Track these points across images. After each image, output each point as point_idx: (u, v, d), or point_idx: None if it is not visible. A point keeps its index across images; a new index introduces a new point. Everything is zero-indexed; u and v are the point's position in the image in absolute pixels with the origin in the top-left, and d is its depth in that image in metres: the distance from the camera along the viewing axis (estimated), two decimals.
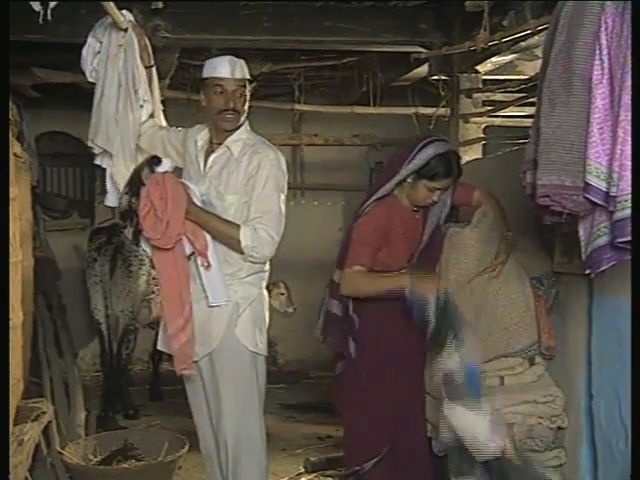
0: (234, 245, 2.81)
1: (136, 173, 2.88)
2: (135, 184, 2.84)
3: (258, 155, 2.85)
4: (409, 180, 2.95)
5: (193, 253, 2.84)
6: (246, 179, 2.85)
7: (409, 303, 2.78)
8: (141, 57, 3.09)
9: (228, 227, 2.82)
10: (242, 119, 2.94)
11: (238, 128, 2.93)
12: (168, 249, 2.80)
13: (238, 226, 2.80)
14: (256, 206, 2.82)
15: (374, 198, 3.00)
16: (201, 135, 3.01)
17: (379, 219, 2.97)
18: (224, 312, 2.85)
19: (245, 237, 2.78)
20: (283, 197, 2.89)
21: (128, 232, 2.88)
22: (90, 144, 3.17)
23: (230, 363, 2.85)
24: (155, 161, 2.82)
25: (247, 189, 2.84)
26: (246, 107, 2.94)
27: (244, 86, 2.91)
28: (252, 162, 2.85)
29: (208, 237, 2.83)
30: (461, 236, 3.09)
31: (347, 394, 3.07)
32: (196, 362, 2.92)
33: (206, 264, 2.80)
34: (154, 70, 3.22)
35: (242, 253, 2.81)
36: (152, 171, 2.80)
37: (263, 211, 2.80)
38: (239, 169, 2.87)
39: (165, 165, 2.81)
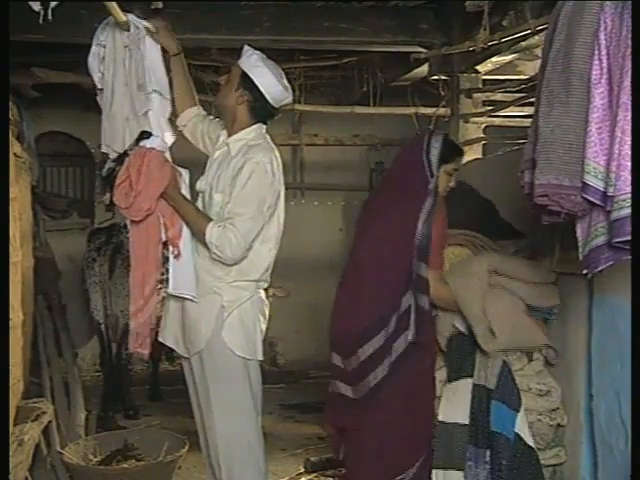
0: (201, 239, 2.80)
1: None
2: (122, 155, 2.86)
3: (246, 157, 2.82)
4: None
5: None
6: (230, 179, 2.83)
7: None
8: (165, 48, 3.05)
9: (199, 219, 2.82)
10: (220, 104, 2.98)
11: (245, 127, 2.92)
12: (142, 226, 2.81)
13: (209, 221, 2.79)
14: (231, 206, 2.79)
15: (431, 202, 3.02)
16: (225, 131, 3.02)
17: (444, 218, 3.08)
18: (211, 313, 2.83)
19: (210, 233, 2.76)
20: (265, 203, 2.82)
21: (106, 198, 2.92)
22: (105, 149, 3.13)
23: (218, 366, 2.84)
24: (145, 136, 2.82)
25: (230, 190, 2.82)
26: (225, 94, 2.94)
27: (231, 72, 2.94)
28: (238, 163, 2.83)
29: (185, 228, 2.84)
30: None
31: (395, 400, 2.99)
32: (187, 359, 2.93)
33: (176, 252, 2.81)
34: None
35: (209, 249, 2.80)
36: (137, 144, 2.82)
37: (236, 212, 2.77)
38: (228, 168, 2.86)
39: (153, 142, 2.81)
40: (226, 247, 2.75)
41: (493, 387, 2.98)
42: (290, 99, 2.99)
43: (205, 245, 2.79)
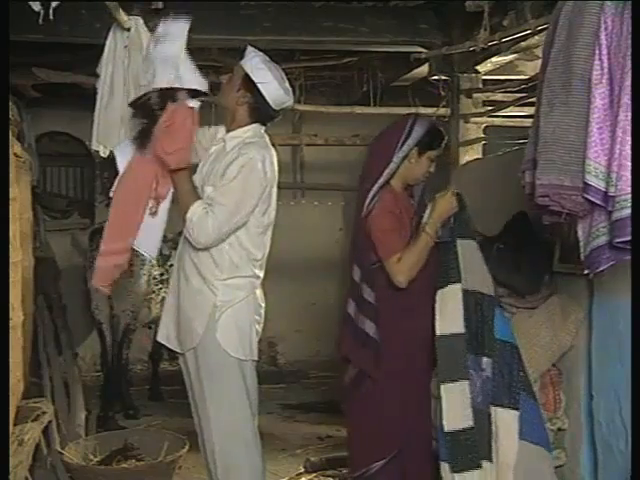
0: (184, 212, 2.81)
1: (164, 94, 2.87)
2: (163, 94, 2.82)
3: (239, 153, 2.82)
4: (412, 160, 2.98)
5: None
6: (221, 173, 2.83)
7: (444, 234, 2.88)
8: None
9: (190, 196, 2.82)
10: (220, 103, 2.96)
11: (243, 126, 2.91)
12: (140, 173, 2.83)
13: (196, 201, 2.80)
14: (216, 194, 2.80)
15: (378, 185, 2.97)
16: (222, 129, 3.02)
17: (391, 203, 2.97)
18: (204, 312, 2.84)
19: (193, 212, 2.77)
20: (252, 198, 2.81)
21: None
22: (95, 146, 3.12)
23: (213, 366, 2.84)
24: (193, 93, 2.84)
25: (220, 182, 2.82)
26: (226, 94, 2.92)
27: (233, 72, 2.91)
28: (231, 158, 2.83)
29: (170, 195, 2.86)
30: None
31: (366, 392, 2.98)
32: (183, 356, 2.93)
33: (153, 210, 2.84)
34: None
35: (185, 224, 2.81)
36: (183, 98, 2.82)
37: (218, 201, 2.78)
38: (221, 163, 2.86)
39: (195, 103, 2.84)
40: (200, 230, 2.77)
41: (492, 293, 2.86)
42: (291, 102, 2.98)
43: (184, 222, 2.80)
